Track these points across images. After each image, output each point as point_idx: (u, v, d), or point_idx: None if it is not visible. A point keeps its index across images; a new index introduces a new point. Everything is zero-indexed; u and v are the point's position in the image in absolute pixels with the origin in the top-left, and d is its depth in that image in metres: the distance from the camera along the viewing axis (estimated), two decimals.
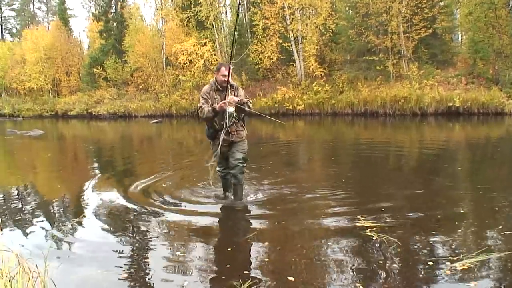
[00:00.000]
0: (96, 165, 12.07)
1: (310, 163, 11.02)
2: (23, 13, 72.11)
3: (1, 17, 72.58)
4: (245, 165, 6.02)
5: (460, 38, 33.57)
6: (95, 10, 44.23)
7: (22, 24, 68.36)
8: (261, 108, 28.34)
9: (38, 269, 2.94)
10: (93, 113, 37.73)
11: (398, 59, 26.12)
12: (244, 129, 5.96)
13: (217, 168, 6.22)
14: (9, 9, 72.65)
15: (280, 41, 30.05)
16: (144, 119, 32.93)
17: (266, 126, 21.18)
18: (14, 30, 72.09)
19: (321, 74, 28.51)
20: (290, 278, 3.66)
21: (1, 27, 72.43)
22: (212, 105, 5.64)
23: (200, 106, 5.70)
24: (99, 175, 9.67)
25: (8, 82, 47.86)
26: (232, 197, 6.17)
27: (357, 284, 3.47)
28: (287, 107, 27.77)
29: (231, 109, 5.39)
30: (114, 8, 41.73)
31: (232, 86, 5.69)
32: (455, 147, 12.50)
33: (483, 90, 21.80)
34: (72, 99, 41.66)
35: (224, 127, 5.59)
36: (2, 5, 71.53)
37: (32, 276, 2.81)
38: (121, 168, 11.07)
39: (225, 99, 5.51)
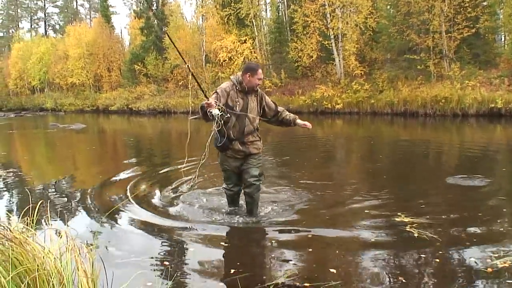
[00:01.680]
0: (137, 157, 12.36)
1: (349, 159, 11.16)
2: (66, 10, 74.01)
3: (45, 14, 74.71)
4: (261, 181, 5.34)
5: (503, 39, 32.77)
6: (137, 7, 44.96)
7: (65, 20, 70.11)
8: (299, 106, 28.45)
9: (87, 246, 3.10)
10: (133, 109, 38.50)
11: (439, 59, 25.68)
12: (260, 139, 5.23)
13: (224, 186, 5.49)
14: (52, 6, 74.84)
15: (320, 39, 29.83)
16: (183, 115, 33.23)
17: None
18: (57, 27, 74.30)
19: (361, 73, 28.23)
20: (332, 270, 3.73)
21: (45, 23, 74.62)
22: (232, 108, 4.88)
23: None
24: (140, 166, 10.02)
25: (51, 77, 49.28)
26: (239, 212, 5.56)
27: (399, 278, 3.54)
28: (326, 106, 27.61)
29: (215, 111, 4.58)
30: (155, 5, 42.33)
31: (256, 91, 5.08)
32: (498, 149, 12.26)
33: None
34: (113, 95, 42.56)
35: (216, 129, 4.82)
36: (46, 2, 73.59)
37: (80, 253, 2.89)
38: (161, 161, 11.47)
39: (247, 105, 4.95)
